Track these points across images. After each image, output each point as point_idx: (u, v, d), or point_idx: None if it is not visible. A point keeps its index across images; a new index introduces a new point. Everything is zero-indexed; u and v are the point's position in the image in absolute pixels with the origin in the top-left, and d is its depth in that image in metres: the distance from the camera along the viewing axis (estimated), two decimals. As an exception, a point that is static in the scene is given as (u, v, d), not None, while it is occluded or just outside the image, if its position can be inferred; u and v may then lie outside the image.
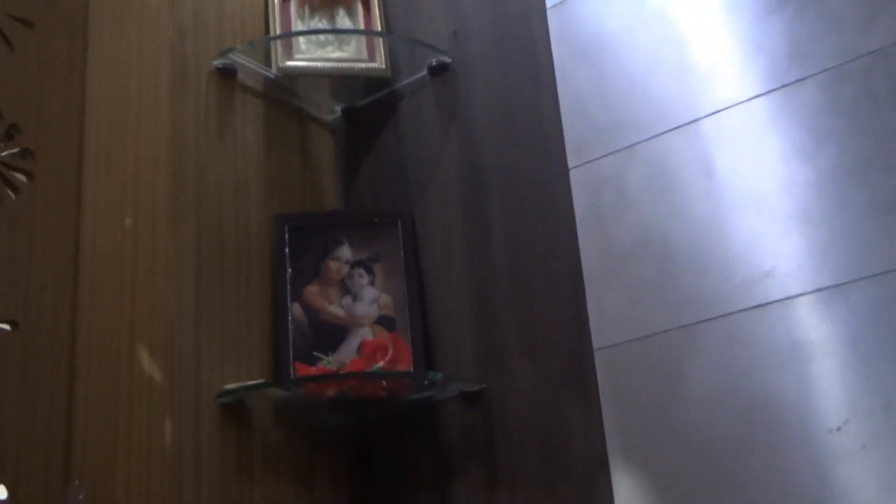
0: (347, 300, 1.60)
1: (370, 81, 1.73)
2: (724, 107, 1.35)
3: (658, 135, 1.40)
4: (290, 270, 1.57)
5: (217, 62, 1.58)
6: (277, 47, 1.64)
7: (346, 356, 1.54)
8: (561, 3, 1.54)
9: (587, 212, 1.44)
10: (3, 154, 1.39)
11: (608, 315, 1.38)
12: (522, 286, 1.49)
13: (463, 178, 1.61)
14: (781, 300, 1.24)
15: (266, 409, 1.49)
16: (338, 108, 1.78)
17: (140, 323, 1.41)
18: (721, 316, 1.28)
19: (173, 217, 1.45)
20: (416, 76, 1.70)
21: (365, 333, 1.57)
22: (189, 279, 1.43)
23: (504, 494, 1.43)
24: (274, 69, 1.65)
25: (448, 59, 1.67)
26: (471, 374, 1.50)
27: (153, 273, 1.43)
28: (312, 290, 1.59)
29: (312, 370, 1.50)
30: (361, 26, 1.69)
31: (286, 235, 1.59)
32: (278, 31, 1.65)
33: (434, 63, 1.67)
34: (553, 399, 1.42)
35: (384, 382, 1.49)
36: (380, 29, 1.70)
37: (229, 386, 1.43)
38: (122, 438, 1.38)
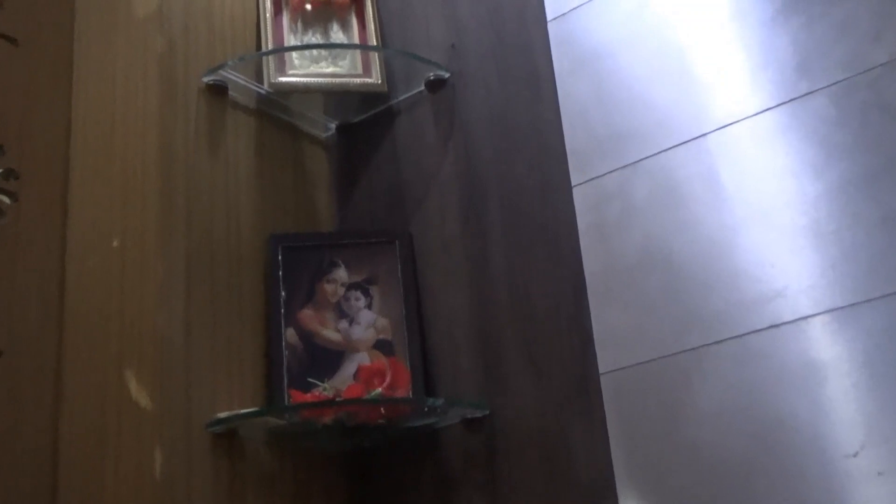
0: (343, 324, 1.60)
1: (366, 97, 1.73)
2: (730, 121, 1.36)
3: (664, 150, 1.41)
4: (283, 293, 1.58)
5: (207, 78, 1.59)
6: (270, 62, 1.65)
7: (342, 382, 1.54)
8: (562, 14, 1.55)
9: (591, 228, 1.45)
10: (-14, 175, 1.43)
11: (614, 336, 1.38)
12: (524, 306, 1.50)
13: (462, 195, 1.62)
14: (794, 321, 1.25)
15: (260, 437, 1.49)
16: (332, 125, 1.79)
17: (128, 348, 1.42)
18: (731, 338, 1.29)
19: (162, 238, 1.45)
20: (413, 91, 1.71)
21: (362, 358, 1.57)
22: (179, 302, 1.44)
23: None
24: (266, 85, 1.65)
25: (446, 74, 1.68)
26: (472, 398, 1.50)
27: (141, 296, 1.43)
28: (307, 314, 1.59)
29: (308, 397, 1.49)
30: (356, 40, 1.70)
31: (279, 257, 1.59)
32: (270, 46, 1.66)
33: (431, 77, 1.68)
34: (557, 423, 1.42)
35: (382, 409, 1.49)
36: (375, 43, 1.71)
37: (222, 414, 1.43)
38: (110, 469, 1.38)
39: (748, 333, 1.27)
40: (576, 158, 1.49)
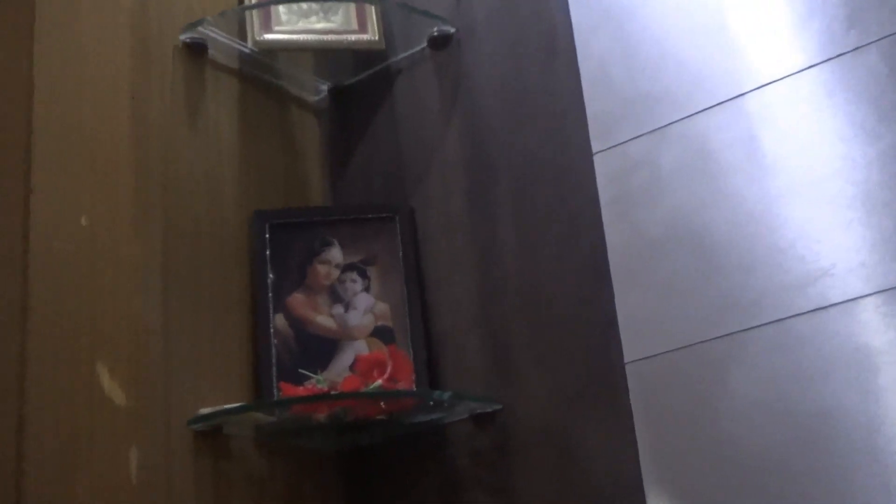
0: (339, 309, 1.60)
1: (361, 56, 1.74)
2: (771, 79, 1.36)
3: (696, 113, 1.40)
4: (271, 276, 1.58)
5: (184, 36, 1.59)
6: (254, 18, 1.65)
7: (338, 374, 1.54)
8: (580, -41, 1.55)
9: (614, 202, 1.45)
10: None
11: (639, 321, 1.38)
12: (539, 289, 1.50)
13: (469, 165, 1.62)
14: (842, 302, 1.24)
15: (247, 435, 1.49)
16: (324, 88, 1.79)
17: (100, 338, 1.41)
18: (771, 322, 1.29)
19: (137, 215, 1.45)
20: (415, 49, 1.71)
21: (359, 347, 1.57)
22: (156, 287, 1.44)
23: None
24: (250, 43, 1.65)
25: (451, 29, 1.68)
26: (482, 391, 1.51)
27: (114, 280, 1.43)
28: (298, 299, 1.59)
29: (300, 390, 1.50)
30: (350, -8, 1.70)
31: (267, 235, 1.59)
32: (254, 0, 1.67)
33: (435, 33, 1.68)
34: (577, 419, 1.42)
35: (383, 403, 1.49)
36: (371, -5, 1.71)
37: (204, 410, 1.43)
38: (82, 470, 1.36)
39: (791, 317, 1.27)
40: (597, 124, 1.49)
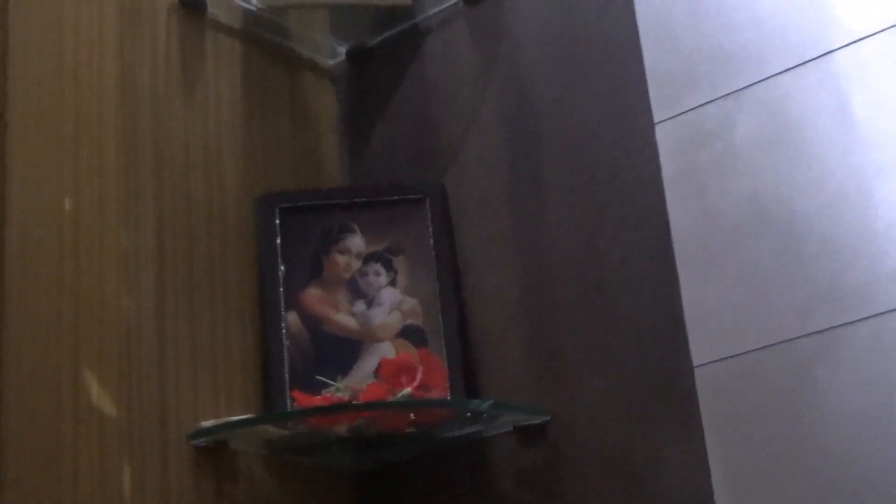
0: (360, 306, 1.60)
1: (384, 13, 1.75)
2: (866, 34, 1.34)
3: (776, 74, 1.39)
4: (282, 268, 1.58)
5: (180, -9, 1.61)
6: (261, -30, 1.68)
7: (360, 380, 1.54)
8: None
9: (680, 179, 1.44)
10: None
11: (712, 317, 1.38)
12: (594, 282, 1.50)
13: (510, 137, 1.62)
14: (951, 295, 1.24)
15: (255, 451, 1.50)
16: (341, 50, 1.79)
17: (86, 340, 1.43)
18: (869, 317, 1.27)
19: (126, 199, 1.45)
20: (446, 3, 1.72)
21: (385, 350, 1.58)
22: (149, 281, 1.44)
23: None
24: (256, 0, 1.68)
25: (488, -20, 1.68)
26: (527, 400, 1.51)
27: (101, 274, 1.43)
28: (313, 294, 1.59)
29: (316, 400, 1.49)
30: (370, -62, 1.73)
31: (276, 221, 1.60)
32: (261, -51, 1.69)
33: (470, -16, 1.70)
34: (638, 431, 1.42)
35: (412, 415, 1.49)
36: (394, -59, 1.72)
37: (206, 423, 1.44)
38: (66, 492, 1.39)
39: (890, 311, 1.26)
40: (659, 88, 1.48)
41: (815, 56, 1.37)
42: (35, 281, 1.49)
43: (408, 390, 1.48)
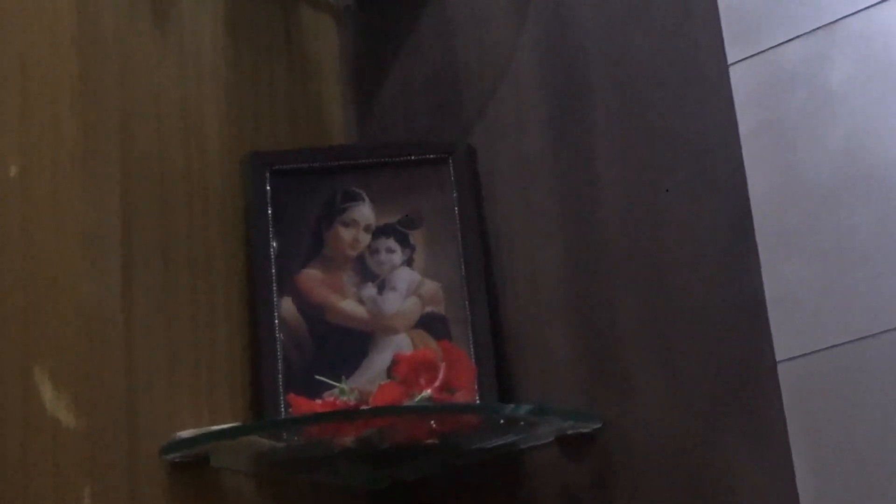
0: (370, 290, 1.59)
1: None
2: None
3: (878, 2, 1.38)
4: (275, 244, 1.58)
5: None
6: None
7: (369, 381, 1.53)
8: None
9: (760, 133, 1.43)
10: None
11: (798, 304, 1.37)
12: (653, 261, 1.50)
13: (551, 87, 1.61)
14: None
15: (244, 467, 1.49)
16: None
17: (39, 333, 1.42)
18: None
19: (85, 163, 1.45)
20: None
21: (400, 343, 1.57)
22: (114, 262, 1.44)
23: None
24: (241, -85, 1.68)
25: None
26: (574, 405, 1.51)
27: (57, 254, 1.43)
28: (313, 276, 1.59)
29: (316, 405, 1.48)
30: None
31: (267, 187, 1.60)
32: None
33: None
34: (710, 440, 1.41)
35: (433, 422, 1.48)
36: None
37: (184, 433, 1.43)
38: None
39: None
40: (733, 21, 1.48)
41: (923, -20, 1.36)
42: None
43: (428, 392, 1.46)
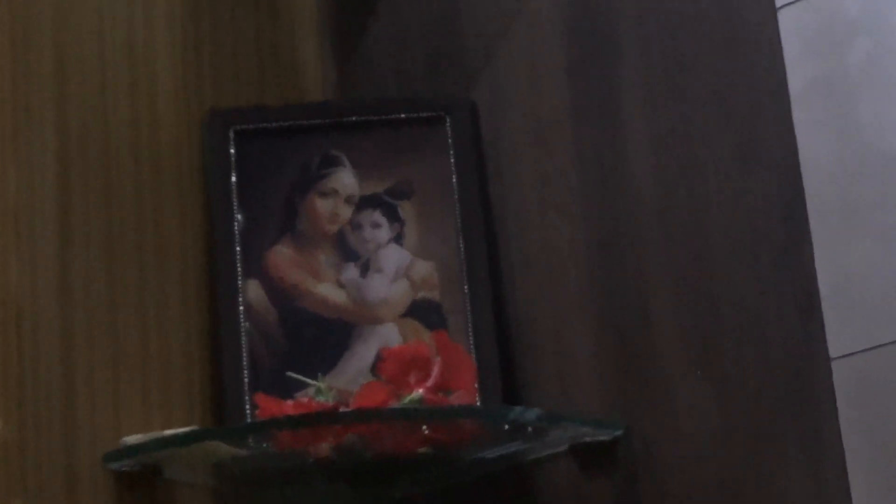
0: (351, 272, 1.61)
1: None
2: None
3: None
4: (239, 217, 1.60)
5: None
6: None
7: (350, 379, 1.55)
8: None
9: (815, 88, 1.44)
10: None
11: (858, 295, 1.38)
12: (692, 239, 1.51)
13: (570, 32, 1.62)
14: None
15: (201, 480, 1.52)
16: None
17: None
18: None
19: (15, 121, 1.47)
20: None
21: (386, 335, 1.58)
22: (48, 237, 1.46)
23: None
24: None
25: None
26: (594, 409, 1.52)
27: None
28: (284, 255, 1.61)
29: (287, 407, 1.49)
30: None
31: (231, 150, 1.61)
32: None
33: None
34: (754, 451, 1.43)
35: (425, 428, 1.49)
36: None
37: (131, 438, 1.45)
38: None
39: None
40: None
41: None
42: None
43: (419, 393, 1.48)
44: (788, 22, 1.46)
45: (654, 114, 1.55)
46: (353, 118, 1.65)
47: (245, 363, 1.54)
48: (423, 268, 1.60)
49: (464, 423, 1.51)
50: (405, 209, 1.62)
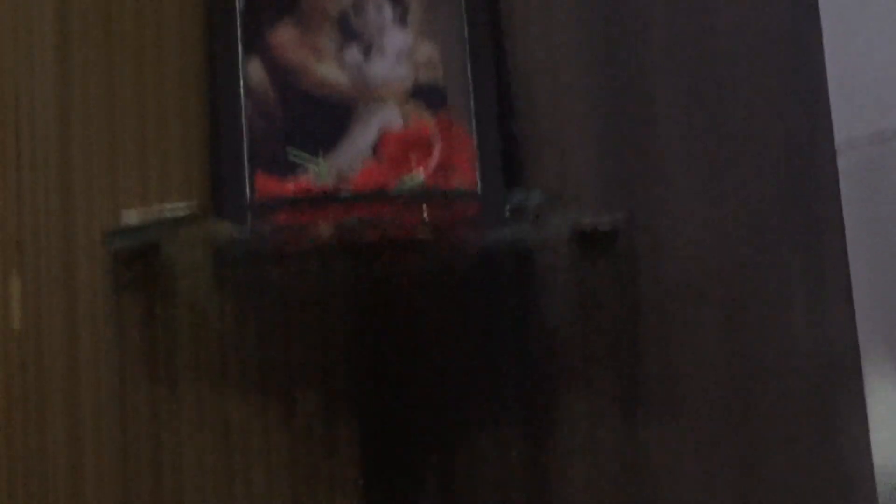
0: (354, 53, 1.58)
1: None
2: None
3: None
4: None
5: None
6: None
7: (351, 159, 1.53)
8: None
9: None
10: None
11: (864, 78, 1.44)
12: (695, 21, 1.55)
13: None
14: None
15: (200, 260, 1.51)
16: None
17: None
18: None
19: None
20: None
21: (388, 116, 1.56)
22: (44, 22, 1.47)
23: (683, 421, 1.47)
24: None
25: None
26: (597, 198, 1.54)
27: None
28: (286, 35, 1.58)
29: (287, 186, 1.50)
30: None
31: None
32: None
33: None
34: (756, 236, 1.48)
35: (425, 210, 1.49)
36: None
37: (129, 216, 1.47)
38: None
39: None
40: None
41: None
42: None
43: (420, 174, 1.49)
44: None
45: None
46: None
47: (245, 141, 1.52)
48: (427, 50, 1.58)
49: (464, 205, 1.52)
50: (409, -11, 1.62)
